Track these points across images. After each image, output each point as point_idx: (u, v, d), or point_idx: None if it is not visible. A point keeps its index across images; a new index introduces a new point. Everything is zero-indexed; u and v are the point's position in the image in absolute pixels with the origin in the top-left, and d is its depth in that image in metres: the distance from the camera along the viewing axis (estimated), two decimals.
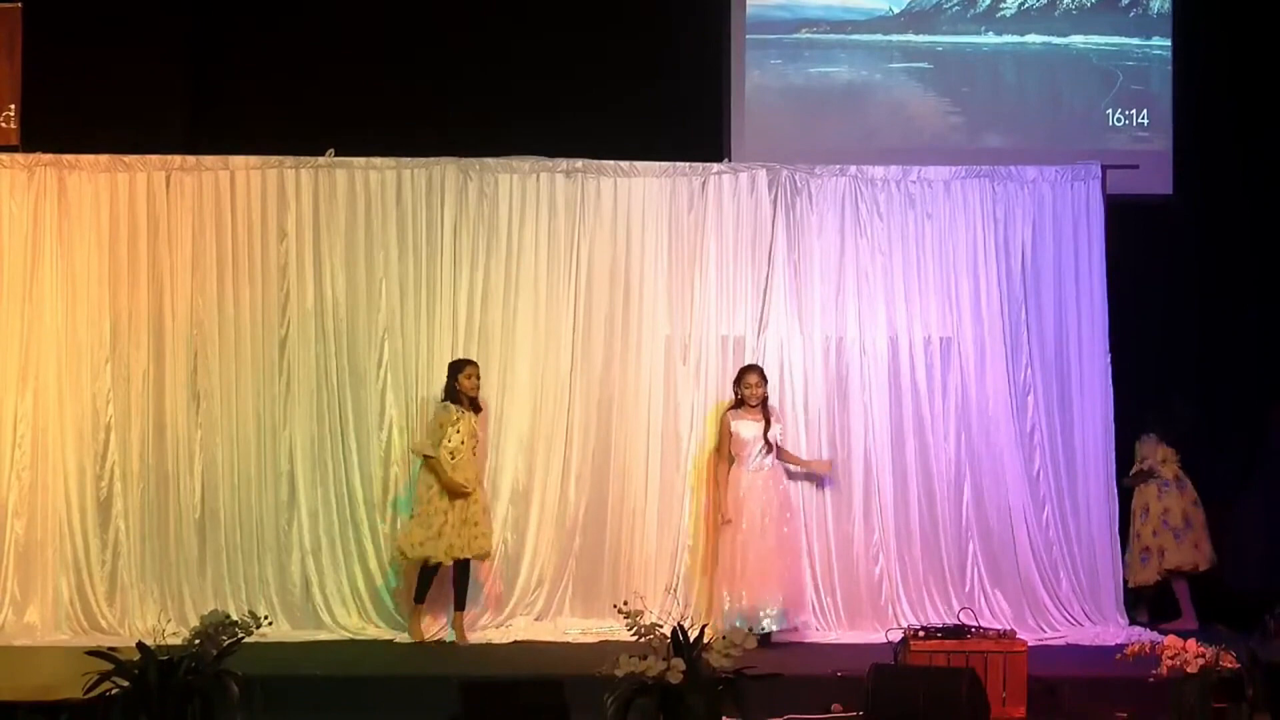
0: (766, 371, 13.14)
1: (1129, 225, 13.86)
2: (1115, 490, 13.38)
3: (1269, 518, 13.82)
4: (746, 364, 13.07)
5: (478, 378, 12.81)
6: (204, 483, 13.08)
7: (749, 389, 12.87)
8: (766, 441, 12.85)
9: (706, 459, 13.16)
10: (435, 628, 12.85)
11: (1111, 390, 13.37)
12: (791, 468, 13.06)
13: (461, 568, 12.69)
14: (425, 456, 12.66)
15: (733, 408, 12.96)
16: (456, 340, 13.20)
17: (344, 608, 13.04)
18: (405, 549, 12.70)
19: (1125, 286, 13.72)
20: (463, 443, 12.66)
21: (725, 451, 12.91)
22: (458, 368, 12.81)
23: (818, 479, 13.24)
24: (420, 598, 12.74)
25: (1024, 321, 13.42)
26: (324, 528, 13.10)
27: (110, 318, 13.11)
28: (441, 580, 12.75)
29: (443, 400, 12.80)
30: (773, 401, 13.09)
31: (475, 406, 12.84)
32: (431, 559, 12.61)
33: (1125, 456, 13.68)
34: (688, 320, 13.36)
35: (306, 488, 13.14)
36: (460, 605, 12.75)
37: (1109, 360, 13.38)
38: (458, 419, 12.68)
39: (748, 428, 12.85)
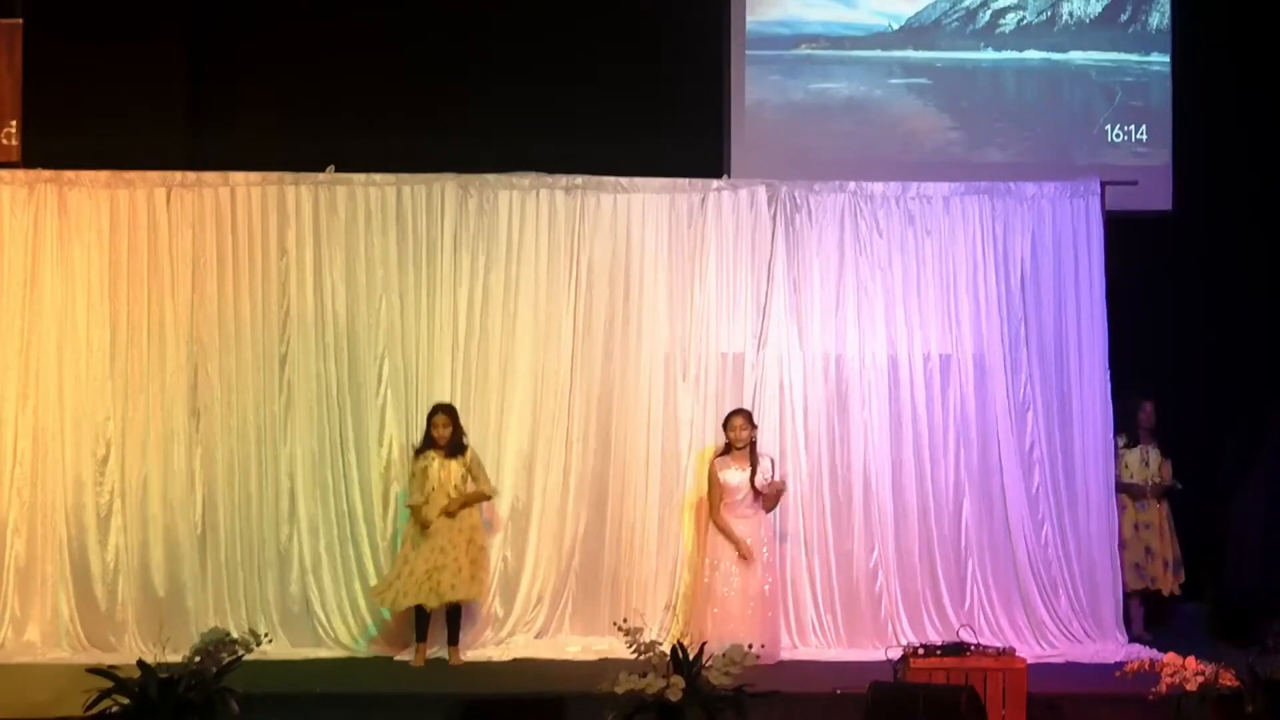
0: (767, 387, 13.16)
1: (1128, 241, 13.86)
2: (1115, 506, 13.36)
3: (1269, 517, 13.79)
4: (734, 408, 12.99)
5: (445, 425, 12.72)
6: (204, 498, 13.07)
7: (735, 432, 12.79)
8: (754, 488, 12.76)
9: (696, 500, 13.14)
10: (434, 645, 12.81)
11: (1111, 406, 13.37)
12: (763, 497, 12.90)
13: (452, 607, 12.66)
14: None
15: (720, 454, 12.89)
16: (456, 356, 13.20)
17: (344, 625, 13.02)
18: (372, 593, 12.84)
19: (1125, 302, 13.72)
20: (434, 488, 12.63)
21: (716, 500, 12.81)
22: (429, 414, 12.82)
23: (817, 492, 13.22)
24: (421, 635, 12.70)
25: (1023, 337, 13.42)
26: (324, 544, 13.09)
27: (110, 333, 13.09)
28: (439, 614, 12.73)
29: (415, 449, 12.85)
30: (772, 417, 13.11)
31: (452, 451, 12.75)
32: (383, 605, 12.71)
33: None
34: (687, 336, 13.36)
35: (307, 503, 13.13)
36: (453, 640, 12.72)
37: (1109, 376, 13.38)
38: (425, 465, 12.69)
39: (734, 475, 12.76)
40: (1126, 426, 13.68)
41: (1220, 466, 14.06)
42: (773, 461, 12.87)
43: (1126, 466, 13.67)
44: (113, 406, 13.07)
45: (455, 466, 12.69)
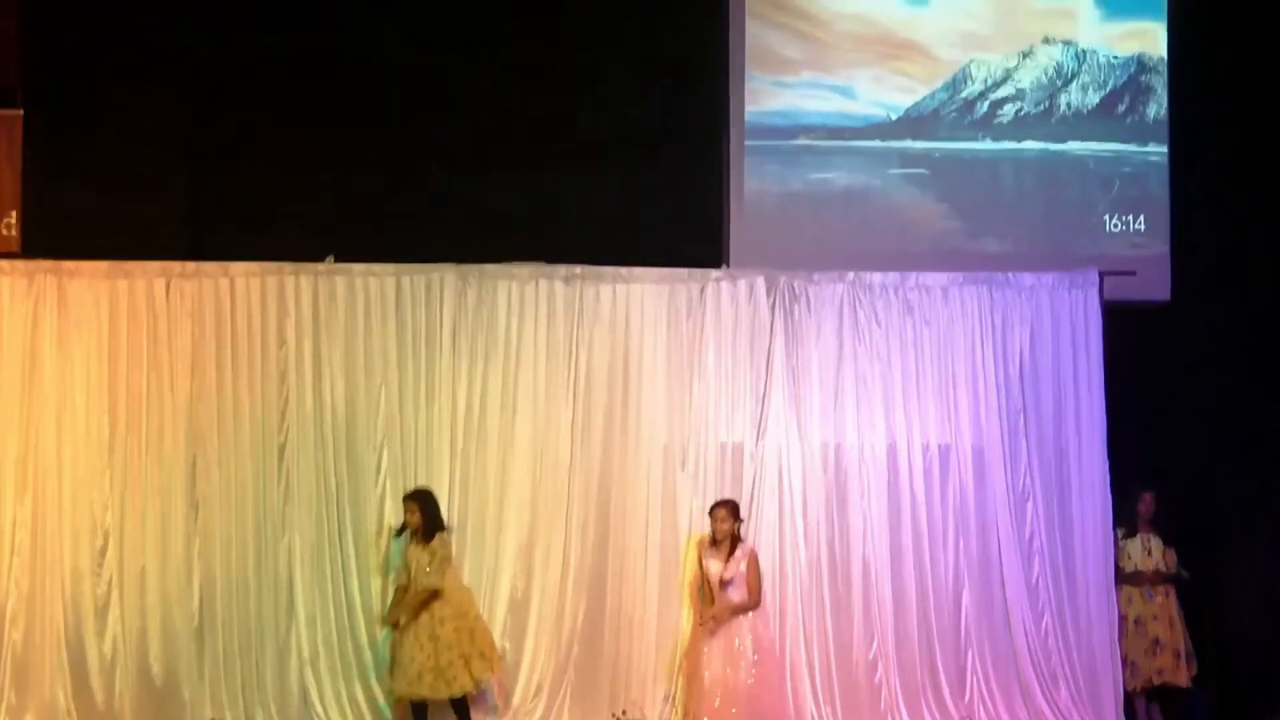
0: (766, 477, 13.18)
1: (1127, 331, 13.89)
2: (1115, 597, 13.34)
3: (1269, 604, 13.77)
4: (720, 499, 12.95)
5: (414, 511, 12.68)
6: (202, 589, 13.03)
7: (716, 524, 12.73)
8: (738, 578, 12.62)
9: (685, 584, 13.11)
10: None
11: (1110, 497, 13.39)
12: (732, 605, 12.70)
13: (458, 702, 12.63)
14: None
15: (709, 544, 12.84)
16: (455, 446, 13.22)
17: (342, 717, 12.97)
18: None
19: (1124, 392, 13.73)
20: (415, 572, 12.62)
21: (698, 587, 12.81)
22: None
23: (816, 582, 13.20)
24: None
25: (1022, 427, 13.44)
26: (322, 636, 13.04)
27: (109, 423, 13.09)
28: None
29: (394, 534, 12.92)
30: (771, 507, 13.12)
31: (425, 537, 12.68)
32: (392, 695, 12.77)
33: None
34: (686, 426, 13.36)
35: (305, 595, 13.10)
36: None
37: (1108, 466, 13.40)
38: (403, 549, 12.75)
39: (714, 567, 12.70)
40: (1126, 517, 13.65)
41: (1219, 555, 14.04)
42: (753, 555, 12.75)
43: (1129, 557, 13.64)
44: (111, 496, 13.05)
45: (422, 553, 12.66)
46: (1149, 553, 13.70)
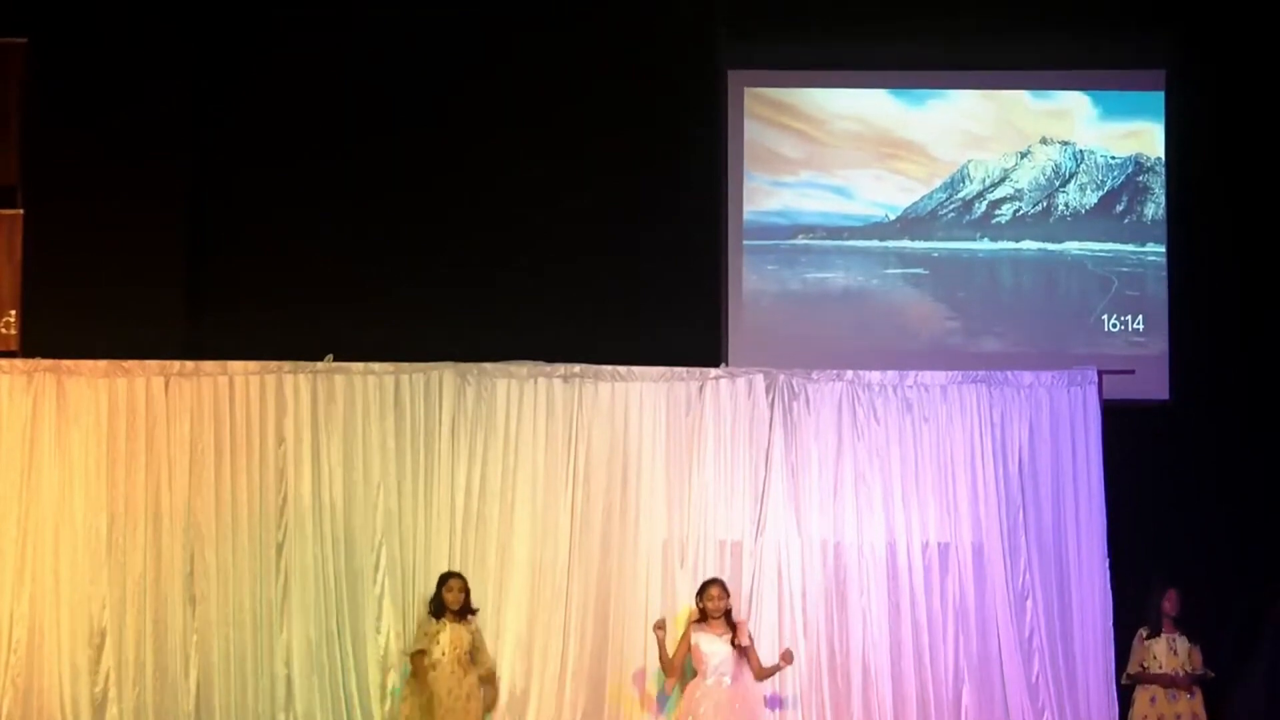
0: (765, 574, 13.14)
1: (1126, 430, 13.88)
2: (1115, 697, 13.27)
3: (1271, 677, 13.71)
4: (709, 577, 12.91)
5: (460, 590, 12.76)
6: (200, 685, 12.99)
7: (710, 601, 12.69)
8: (735, 650, 12.60)
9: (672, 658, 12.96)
10: None
11: (1111, 596, 13.32)
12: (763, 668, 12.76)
13: None
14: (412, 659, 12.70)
15: (698, 620, 12.80)
16: (454, 543, 13.20)
17: None
18: None
19: (1124, 492, 13.71)
20: (444, 654, 12.62)
21: (679, 661, 12.71)
22: (441, 580, 12.82)
23: (816, 680, 13.14)
24: None
25: (1022, 526, 13.40)
26: None
27: (107, 521, 13.09)
28: None
29: (429, 613, 12.80)
30: (770, 605, 13.07)
31: (462, 615, 12.77)
32: None
33: (1122, 661, 13.54)
34: (685, 523, 13.34)
35: (303, 691, 13.05)
36: None
37: (1108, 565, 13.36)
38: (438, 631, 12.68)
39: (709, 642, 12.62)
40: (1151, 616, 13.53)
41: (1221, 659, 13.97)
42: (750, 636, 12.74)
43: (1155, 657, 13.45)
44: (109, 593, 13.04)
45: (464, 633, 12.68)
46: (1174, 652, 13.49)
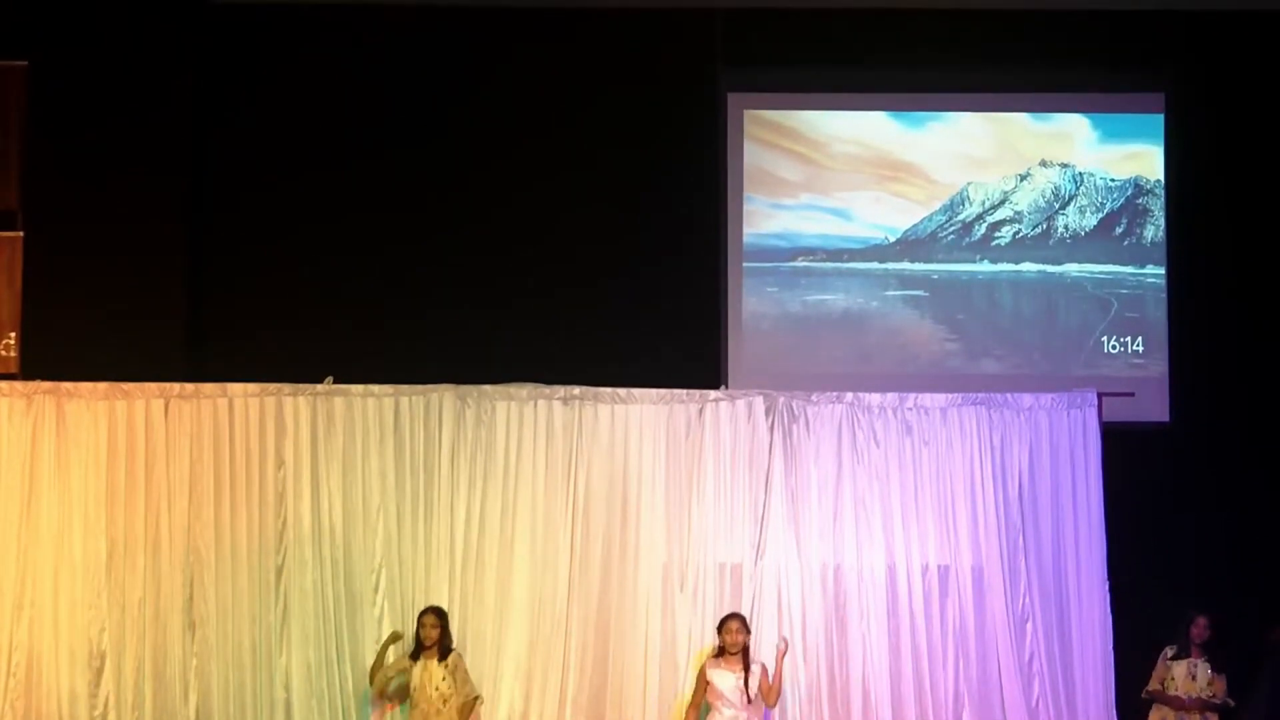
0: (765, 598, 13.10)
1: (1126, 452, 13.87)
2: (1114, 718, 13.24)
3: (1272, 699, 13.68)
4: (730, 612, 12.89)
5: (433, 626, 12.68)
6: (199, 711, 12.97)
7: (730, 636, 12.61)
8: (745, 693, 12.54)
9: (679, 706, 12.97)
10: None
11: (1110, 618, 13.29)
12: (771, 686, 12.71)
13: None
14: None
15: (714, 656, 12.75)
16: (454, 566, 13.17)
17: None
18: None
19: (1124, 514, 13.70)
20: (416, 689, 12.59)
21: (698, 700, 12.67)
22: (419, 616, 12.80)
23: (816, 704, 13.11)
24: None
25: (1022, 548, 13.37)
26: None
27: (107, 545, 13.07)
28: None
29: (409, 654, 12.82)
30: (770, 629, 13.05)
31: (441, 654, 12.69)
32: None
33: (1123, 683, 13.52)
34: (685, 546, 13.31)
35: (302, 715, 13.02)
36: None
37: (1108, 588, 13.33)
38: (408, 668, 12.67)
39: (724, 678, 12.56)
40: (1180, 639, 13.53)
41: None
42: (764, 667, 12.72)
43: (1173, 679, 13.45)
44: (108, 618, 13.01)
45: (437, 669, 12.62)
46: (1193, 677, 13.46)
